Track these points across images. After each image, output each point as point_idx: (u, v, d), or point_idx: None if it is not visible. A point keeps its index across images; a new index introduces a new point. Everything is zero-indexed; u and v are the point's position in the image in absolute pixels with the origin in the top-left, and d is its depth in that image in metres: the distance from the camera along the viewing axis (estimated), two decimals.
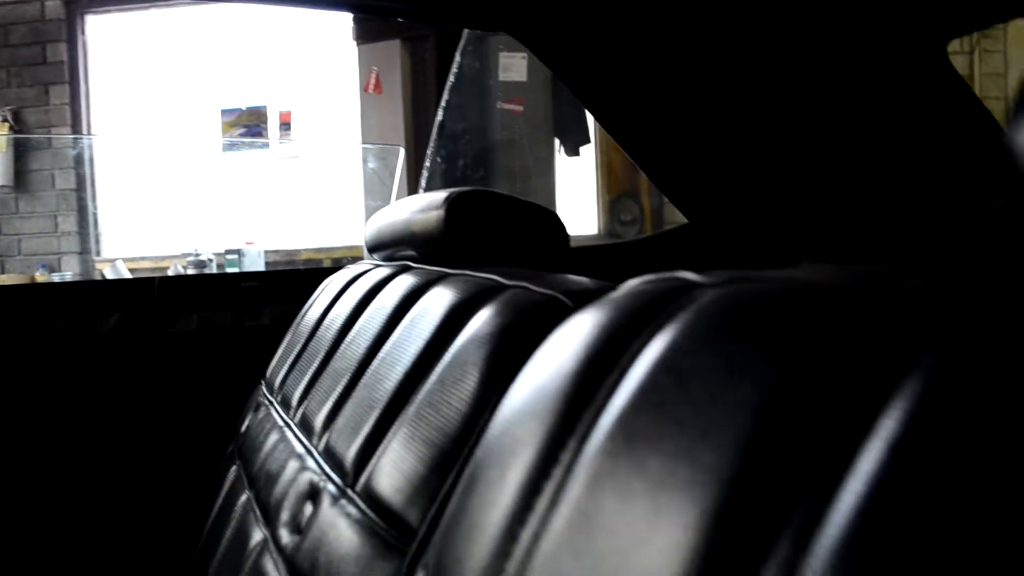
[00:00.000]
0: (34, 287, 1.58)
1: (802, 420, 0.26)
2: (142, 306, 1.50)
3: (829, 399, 0.26)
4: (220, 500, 1.05)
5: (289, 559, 0.67)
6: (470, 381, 0.56)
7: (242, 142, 4.82)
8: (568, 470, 0.34)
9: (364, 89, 3.90)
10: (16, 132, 4.87)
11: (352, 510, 0.62)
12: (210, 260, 4.33)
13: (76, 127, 4.93)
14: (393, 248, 1.06)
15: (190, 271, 4.17)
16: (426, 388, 0.62)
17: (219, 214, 4.61)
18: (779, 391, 0.27)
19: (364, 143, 4.09)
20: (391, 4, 1.39)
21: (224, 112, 4.88)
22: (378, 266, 1.09)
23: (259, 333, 1.50)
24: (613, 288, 0.43)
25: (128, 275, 4.48)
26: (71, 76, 4.89)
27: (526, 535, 0.34)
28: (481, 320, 0.62)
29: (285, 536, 0.71)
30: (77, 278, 4.65)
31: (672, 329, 0.34)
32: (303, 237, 4.48)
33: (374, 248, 1.15)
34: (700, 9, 1.36)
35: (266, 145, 4.76)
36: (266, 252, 4.49)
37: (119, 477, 1.43)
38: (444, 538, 0.43)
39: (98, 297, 1.49)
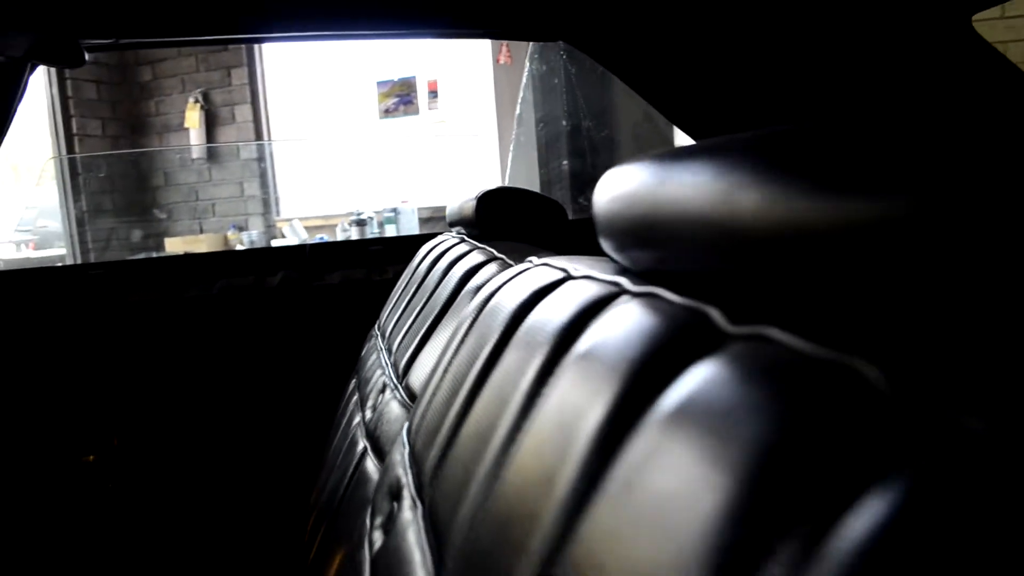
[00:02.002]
0: (222, 254, 2.09)
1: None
2: (298, 266, 1.98)
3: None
4: (344, 396, 1.50)
5: (366, 427, 1.09)
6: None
7: (396, 110, 5.33)
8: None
9: (496, 60, 4.29)
10: (206, 111, 5.61)
11: (398, 395, 1.03)
12: (370, 219, 4.90)
13: (255, 104, 5.61)
14: (458, 226, 1.46)
15: (353, 229, 4.75)
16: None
17: (379, 176, 5.17)
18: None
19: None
20: (449, 29, 1.71)
21: (379, 84, 5.40)
22: (453, 238, 1.49)
23: (385, 285, 1.95)
24: None
25: (304, 232, 5.14)
26: (248, 59, 5.56)
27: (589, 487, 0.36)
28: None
29: (368, 414, 1.14)
30: (261, 235, 5.35)
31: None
32: (449, 196, 4.95)
33: (452, 224, 1.56)
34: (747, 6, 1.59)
35: (416, 112, 5.26)
36: (419, 209, 5.02)
37: (279, 384, 1.93)
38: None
39: (267, 260, 1.99)
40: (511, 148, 3.43)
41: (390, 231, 4.84)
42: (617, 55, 1.77)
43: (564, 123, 3.64)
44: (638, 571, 0.29)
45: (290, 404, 1.92)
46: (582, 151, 3.62)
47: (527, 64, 3.60)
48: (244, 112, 5.62)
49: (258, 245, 5.18)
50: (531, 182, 3.78)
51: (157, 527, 1.85)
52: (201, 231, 5.67)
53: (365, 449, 1.02)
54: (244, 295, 1.94)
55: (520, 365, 0.50)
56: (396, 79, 5.34)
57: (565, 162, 3.60)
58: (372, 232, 4.81)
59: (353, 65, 5.44)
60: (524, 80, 3.64)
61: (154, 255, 5.20)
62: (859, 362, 0.27)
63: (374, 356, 1.36)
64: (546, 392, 0.45)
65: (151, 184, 5.74)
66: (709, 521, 0.26)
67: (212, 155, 5.63)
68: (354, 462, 1.02)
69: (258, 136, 5.57)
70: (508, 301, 0.61)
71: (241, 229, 5.51)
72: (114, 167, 5.59)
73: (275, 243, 5.23)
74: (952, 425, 0.23)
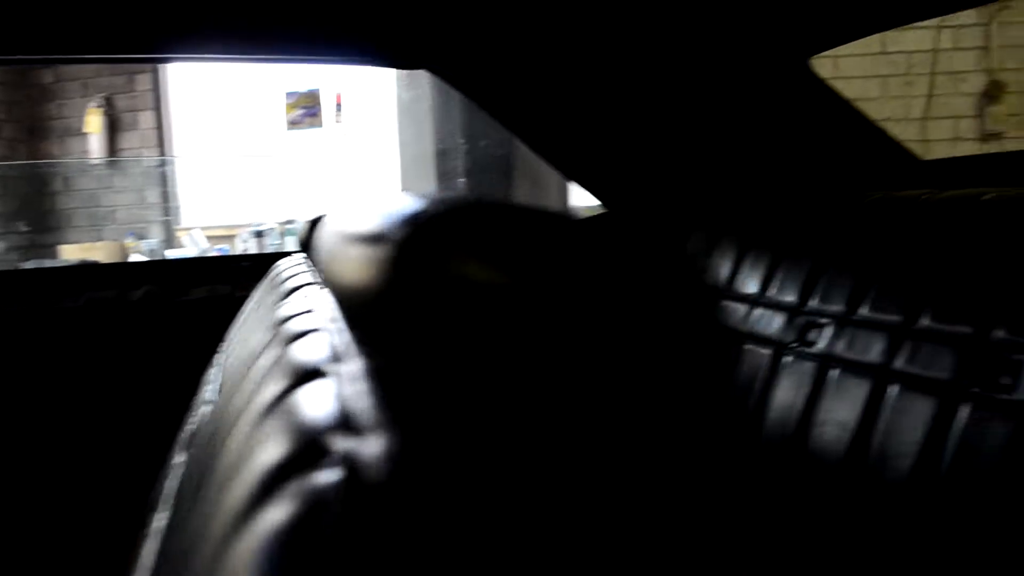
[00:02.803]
0: (88, 266, 2.08)
1: None
2: (163, 281, 1.99)
3: None
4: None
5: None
6: None
7: (302, 122, 5.33)
8: None
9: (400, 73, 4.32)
10: (109, 116, 5.52)
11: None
12: (271, 230, 4.89)
13: (159, 110, 5.54)
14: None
15: (252, 240, 4.73)
16: None
17: (284, 187, 5.15)
18: None
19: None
20: (308, 56, 1.75)
21: (288, 95, 5.40)
22: (297, 260, 1.53)
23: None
24: None
25: (204, 242, 5.09)
26: (153, 65, 5.48)
27: None
28: None
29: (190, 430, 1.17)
30: (160, 244, 5.28)
31: None
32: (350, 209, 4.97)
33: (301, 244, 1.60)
34: (607, 37, 1.67)
35: (321, 125, 5.27)
36: None
37: (131, 399, 1.92)
38: None
39: (131, 274, 1.99)
40: (400, 164, 3.48)
41: (290, 243, 4.84)
42: (478, 84, 1.83)
43: (460, 140, 3.70)
44: None
45: (139, 419, 1.92)
46: (479, 169, 3.69)
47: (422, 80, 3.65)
48: (147, 118, 5.55)
49: (157, 253, 5.10)
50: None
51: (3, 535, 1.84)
52: (100, 238, 5.56)
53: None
54: (106, 309, 1.94)
55: None
56: (303, 91, 5.34)
57: (461, 180, 3.67)
58: (273, 243, 4.80)
59: (262, 74, 5.42)
60: (399, 98, 3.70)
61: (46, 264, 5.08)
62: None
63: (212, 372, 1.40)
64: None
65: (49, 189, 5.60)
66: None
67: (113, 161, 5.53)
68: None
69: (161, 143, 5.49)
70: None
71: (141, 237, 5.42)
72: (8, 171, 5.45)
73: (170, 253, 5.17)
74: None
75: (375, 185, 4.82)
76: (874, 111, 4.65)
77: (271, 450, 0.36)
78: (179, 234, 5.39)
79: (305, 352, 0.52)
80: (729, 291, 1.62)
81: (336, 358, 0.48)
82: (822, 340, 1.34)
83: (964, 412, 1.07)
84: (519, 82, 1.77)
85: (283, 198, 5.10)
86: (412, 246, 0.34)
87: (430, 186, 3.67)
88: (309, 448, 0.34)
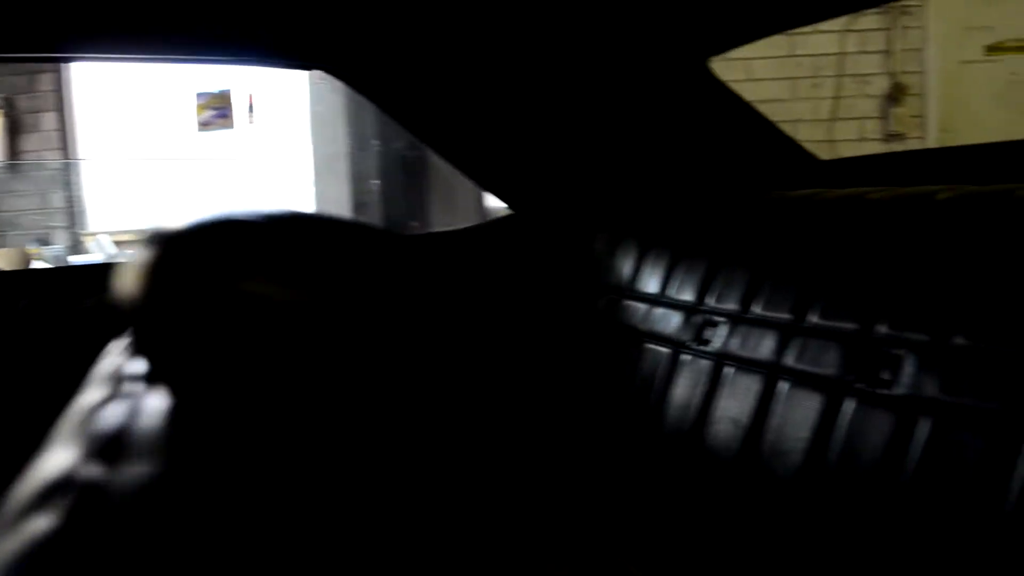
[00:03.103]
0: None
1: None
2: (50, 290, 1.91)
3: None
4: None
5: None
6: None
7: (213, 123, 5.21)
8: None
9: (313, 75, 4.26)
10: (9, 117, 5.29)
11: None
12: None
13: (62, 111, 5.33)
14: None
15: None
16: None
17: (193, 189, 5.02)
18: None
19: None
20: (199, 56, 1.70)
21: (198, 95, 5.26)
22: None
23: None
24: None
25: (111, 247, 4.92)
26: (55, 64, 5.28)
27: None
28: None
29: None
30: (65, 250, 5.09)
31: None
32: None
33: None
34: (507, 38, 1.65)
35: (232, 127, 5.15)
36: None
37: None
38: None
39: (16, 283, 1.90)
40: (313, 165, 3.42)
41: None
42: (377, 85, 1.80)
43: (374, 141, 3.66)
44: None
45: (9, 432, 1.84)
46: (393, 170, 3.66)
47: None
48: (50, 120, 5.34)
49: (61, 260, 4.92)
50: (340, 202, 3.77)
51: None
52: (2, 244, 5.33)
53: None
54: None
55: None
56: (214, 91, 5.21)
57: (374, 181, 3.63)
58: None
59: (172, 75, 5.27)
60: (311, 98, 3.64)
61: None
62: None
63: None
64: None
65: None
66: None
67: (14, 164, 5.31)
68: None
69: (65, 145, 5.30)
70: None
71: (44, 243, 5.22)
72: None
73: (76, 259, 4.99)
74: None
75: (287, 187, 4.74)
76: (784, 112, 4.77)
77: (49, 462, 0.35)
78: (85, 239, 5.21)
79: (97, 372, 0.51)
80: (631, 291, 1.63)
81: (116, 379, 0.46)
82: (717, 339, 1.35)
83: (849, 407, 1.09)
84: (420, 83, 1.75)
85: (194, 201, 4.97)
86: (164, 264, 0.33)
87: (342, 187, 3.62)
88: (64, 471, 0.33)
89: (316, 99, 4.31)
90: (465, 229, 2.01)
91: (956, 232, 1.06)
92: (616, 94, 1.78)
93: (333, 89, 4.03)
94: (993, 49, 4.89)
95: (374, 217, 3.75)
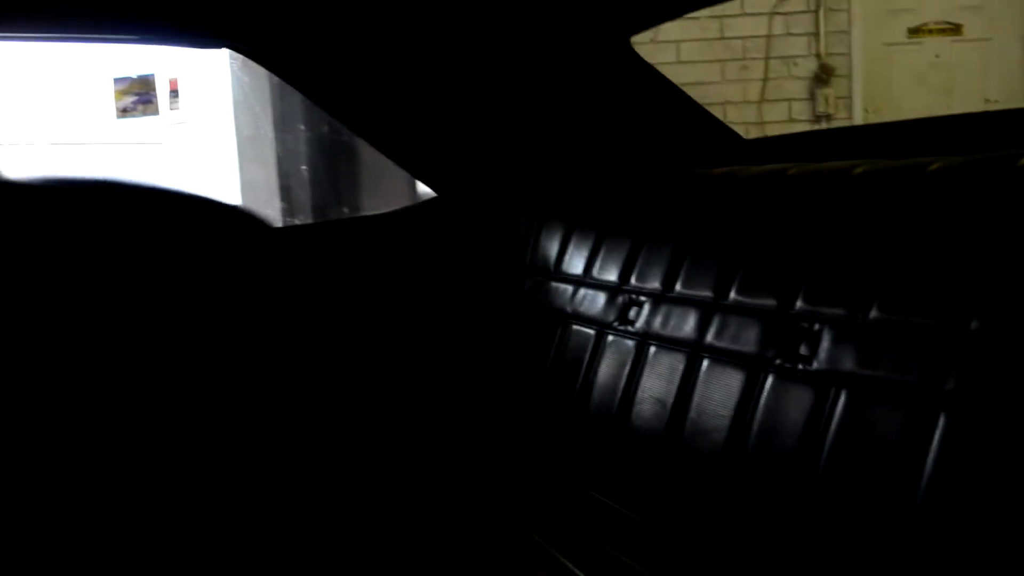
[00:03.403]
0: None
1: None
2: None
3: None
4: None
5: None
6: None
7: (135, 109, 5.04)
8: None
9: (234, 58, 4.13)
10: None
11: None
12: None
13: None
14: None
15: None
16: None
17: (111, 175, 4.85)
18: None
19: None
20: (99, 34, 1.62)
21: (116, 80, 5.08)
22: None
23: None
24: None
25: None
26: None
27: None
28: None
29: None
30: None
31: None
32: None
33: None
34: (427, 20, 1.60)
35: (156, 112, 4.99)
36: None
37: None
38: None
39: None
40: (237, 151, 3.32)
41: None
42: (292, 64, 1.74)
43: (300, 125, 3.57)
44: None
45: None
46: (320, 155, 3.58)
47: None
48: None
49: None
50: (266, 187, 3.68)
51: None
52: None
53: None
54: None
55: None
56: (135, 76, 5.04)
57: (303, 167, 3.55)
58: None
59: (88, 59, 5.07)
60: (234, 82, 3.54)
61: None
62: None
63: None
64: None
65: None
66: None
67: None
68: None
69: None
70: None
71: None
72: None
73: None
74: None
75: (210, 172, 4.61)
76: (715, 94, 4.79)
77: None
78: None
79: None
80: (557, 272, 1.61)
81: None
82: (641, 318, 1.34)
83: (769, 383, 1.09)
84: (337, 63, 1.70)
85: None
86: None
87: (268, 172, 3.54)
88: None
89: (238, 83, 4.20)
90: (390, 213, 1.97)
91: (871, 205, 1.06)
92: (539, 74, 1.75)
93: (256, 73, 3.92)
94: (915, 32, 5.00)
95: (302, 202, 3.66)
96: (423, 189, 2.07)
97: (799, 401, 1.04)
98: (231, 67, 4.15)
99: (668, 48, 4.79)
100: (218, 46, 1.68)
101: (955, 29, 4.94)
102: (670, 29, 4.67)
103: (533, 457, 1.52)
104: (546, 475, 1.47)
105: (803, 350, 1.05)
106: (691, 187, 1.42)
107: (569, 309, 1.52)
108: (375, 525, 1.44)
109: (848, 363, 0.99)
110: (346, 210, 3.61)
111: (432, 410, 1.71)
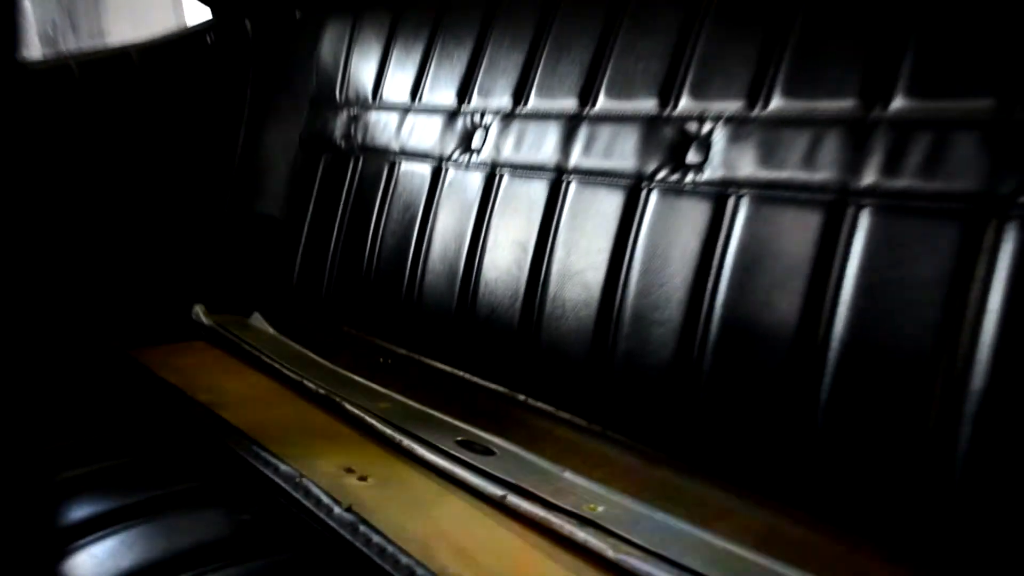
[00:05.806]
0: None
1: None
2: None
3: None
4: None
5: None
6: None
7: None
8: None
9: None
10: None
11: None
12: None
13: None
14: None
15: None
16: None
17: None
18: None
19: None
20: None
21: None
22: None
23: None
24: None
25: None
26: None
27: None
28: None
29: None
30: None
31: None
32: None
33: None
34: None
35: None
36: None
37: None
38: None
39: None
40: None
41: None
42: None
43: None
44: None
45: None
46: None
47: None
48: None
49: None
50: None
51: None
52: None
53: None
54: None
55: None
56: None
57: None
58: None
59: None
60: None
61: None
62: None
63: None
64: None
65: None
66: None
67: None
68: None
69: None
70: None
71: None
72: None
73: None
74: None
75: None
76: None
77: None
78: None
79: None
80: (377, 101, 1.33)
81: None
82: (488, 145, 1.10)
83: (653, 202, 0.89)
84: None
85: None
86: None
87: None
88: None
89: None
90: (153, 42, 1.55)
91: None
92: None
93: None
94: None
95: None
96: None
97: (691, 218, 0.85)
98: None
99: None
100: None
101: None
102: None
103: (363, 332, 1.28)
104: (382, 350, 1.24)
105: (692, 157, 0.86)
106: None
107: (395, 146, 1.26)
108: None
109: (747, 167, 0.81)
110: (87, 38, 3.00)
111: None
